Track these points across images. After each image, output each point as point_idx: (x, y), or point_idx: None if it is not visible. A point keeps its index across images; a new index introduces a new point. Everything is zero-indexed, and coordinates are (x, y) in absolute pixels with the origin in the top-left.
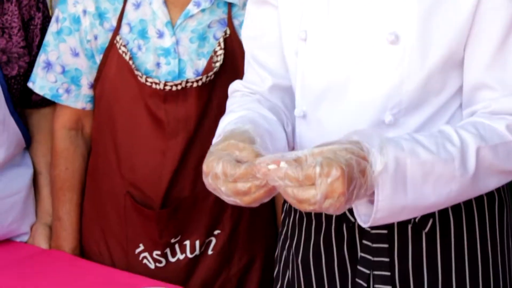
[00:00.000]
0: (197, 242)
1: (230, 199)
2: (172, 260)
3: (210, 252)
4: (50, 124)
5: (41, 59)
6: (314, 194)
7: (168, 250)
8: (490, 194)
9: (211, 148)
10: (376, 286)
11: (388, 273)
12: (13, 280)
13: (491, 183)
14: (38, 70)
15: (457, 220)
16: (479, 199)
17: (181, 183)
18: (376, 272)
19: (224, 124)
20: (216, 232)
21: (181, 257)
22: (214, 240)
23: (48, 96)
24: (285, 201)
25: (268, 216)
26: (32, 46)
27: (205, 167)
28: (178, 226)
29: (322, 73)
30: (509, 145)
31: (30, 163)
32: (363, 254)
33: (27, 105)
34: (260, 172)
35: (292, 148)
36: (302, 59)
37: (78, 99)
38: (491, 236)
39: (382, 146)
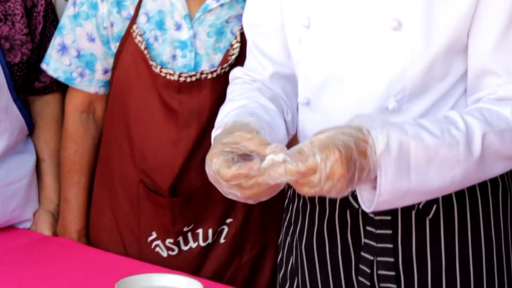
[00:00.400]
0: (210, 231)
1: (229, 192)
2: (185, 248)
3: (222, 240)
4: (53, 111)
5: (56, 41)
6: (316, 178)
7: (180, 238)
8: (493, 180)
9: (214, 142)
10: (380, 272)
11: (391, 259)
12: (16, 266)
13: (497, 169)
14: (52, 52)
15: (460, 206)
16: (482, 185)
17: (191, 173)
18: (379, 258)
19: (223, 115)
20: (228, 220)
21: (194, 245)
22: (226, 229)
23: (61, 79)
24: (288, 187)
25: (281, 205)
26: (35, 33)
27: (207, 159)
28: (191, 215)
29: (326, 60)
30: None
31: (33, 150)
32: (366, 240)
33: (30, 92)
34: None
35: (291, 136)
36: (305, 47)
37: (92, 83)
38: (495, 222)
39: (383, 127)
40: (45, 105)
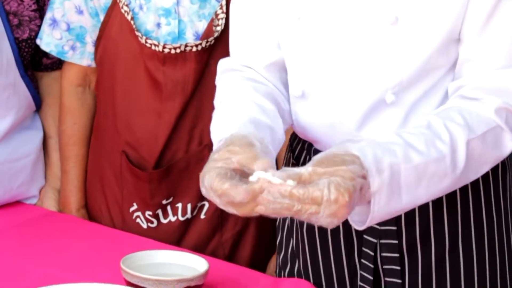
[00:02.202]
0: (189, 206)
1: (228, 210)
2: (164, 221)
3: (202, 216)
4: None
5: (47, 16)
6: (314, 210)
7: (159, 211)
8: None
9: (210, 156)
10: (383, 254)
11: (395, 241)
12: (22, 240)
13: (482, 170)
14: (45, 27)
15: (463, 187)
16: None
17: (175, 145)
18: (383, 241)
19: (223, 122)
20: None
21: (173, 219)
22: (207, 205)
23: (53, 53)
24: (286, 164)
25: None
26: (44, 9)
27: (200, 175)
28: (169, 188)
29: (321, 53)
30: (496, 130)
31: (41, 126)
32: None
33: (38, 69)
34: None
35: (288, 126)
36: (299, 39)
37: (83, 56)
38: (495, 200)
39: (377, 162)
40: (53, 82)
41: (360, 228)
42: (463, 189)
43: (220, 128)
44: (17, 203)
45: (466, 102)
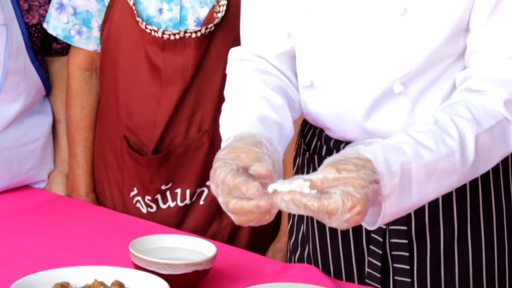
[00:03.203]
0: (188, 191)
1: (231, 214)
2: (163, 206)
3: (201, 202)
4: None
5: (54, 0)
6: (328, 218)
7: (159, 196)
8: None
9: (218, 153)
10: (392, 240)
11: (404, 228)
12: (31, 224)
13: (491, 164)
14: (52, 11)
15: None
16: None
17: (174, 131)
18: (392, 227)
19: (231, 122)
20: (208, 182)
21: (172, 204)
22: (206, 191)
23: (60, 37)
24: (296, 156)
25: None
26: None
27: (212, 172)
28: (168, 173)
29: (330, 44)
30: (503, 123)
31: (50, 111)
32: None
33: (48, 53)
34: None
35: (299, 115)
36: (309, 29)
37: (90, 40)
38: (505, 186)
39: (389, 164)
40: (63, 67)
41: (371, 228)
42: (472, 180)
43: (229, 124)
44: (26, 187)
45: (473, 96)
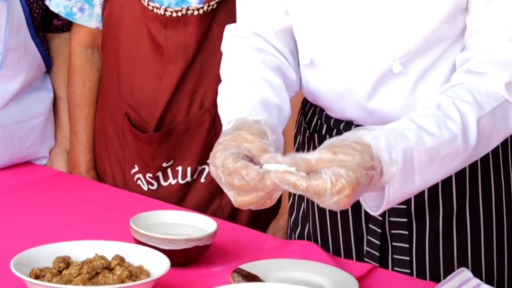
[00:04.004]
0: (189, 169)
1: (229, 192)
2: (164, 184)
3: (202, 180)
4: None
5: None
6: (316, 198)
7: (160, 174)
8: None
9: (220, 138)
10: (391, 219)
11: (404, 206)
12: (32, 199)
13: (493, 145)
14: None
15: None
16: None
17: (175, 108)
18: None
19: (232, 103)
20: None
21: (173, 182)
22: (207, 169)
23: (62, 14)
24: (297, 134)
25: None
26: None
27: (211, 155)
28: (169, 151)
29: (329, 22)
30: (504, 105)
31: (51, 87)
32: None
33: (49, 30)
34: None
35: (296, 93)
36: (307, 8)
37: (92, 18)
38: (504, 164)
39: (391, 151)
40: (64, 43)
41: (376, 213)
42: None
43: (230, 106)
44: (27, 163)
45: (474, 78)
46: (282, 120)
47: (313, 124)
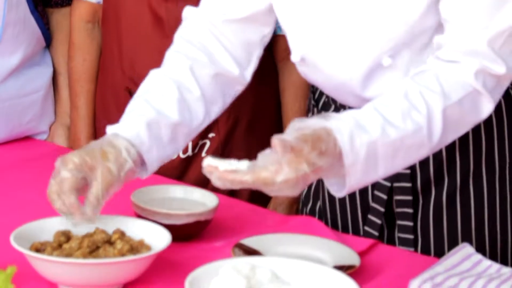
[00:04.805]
0: (190, 143)
1: None
2: None
3: (203, 154)
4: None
5: None
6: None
7: None
8: (506, 95)
9: (82, 147)
10: (397, 197)
11: (409, 184)
12: (32, 174)
13: (460, 133)
14: None
15: (475, 128)
16: (497, 105)
17: None
18: (396, 184)
19: (125, 118)
20: (210, 135)
21: (174, 156)
22: (208, 143)
23: None
24: (308, 111)
25: (272, 121)
26: None
27: (59, 162)
28: None
29: (316, 20)
30: (473, 94)
31: (50, 62)
32: None
33: (48, 5)
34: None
35: (245, 86)
36: (294, 5)
37: None
38: (509, 138)
39: (353, 141)
40: (63, 18)
41: (339, 195)
42: (476, 130)
43: (125, 117)
44: (28, 138)
45: (444, 65)
46: (186, 133)
47: (321, 103)
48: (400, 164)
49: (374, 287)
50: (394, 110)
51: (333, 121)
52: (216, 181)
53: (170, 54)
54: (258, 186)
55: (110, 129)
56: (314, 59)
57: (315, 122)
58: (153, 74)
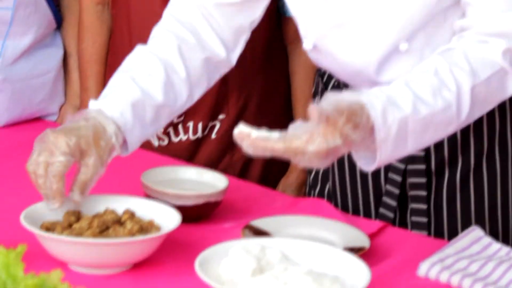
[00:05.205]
0: (200, 125)
1: None
2: (175, 140)
3: (213, 136)
4: None
5: None
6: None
7: (171, 130)
8: None
9: (65, 124)
10: (410, 180)
11: (423, 167)
12: None
13: (487, 109)
14: None
15: (489, 111)
16: None
17: None
18: (410, 167)
19: (107, 93)
20: (220, 116)
21: (184, 138)
22: (218, 125)
23: None
24: (315, 94)
25: (282, 104)
26: None
27: (39, 139)
28: None
29: (329, 6)
30: (501, 73)
31: (61, 44)
32: None
33: None
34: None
35: (229, 68)
36: None
37: None
38: None
39: (385, 116)
40: (74, 0)
41: (368, 169)
42: (490, 112)
43: (107, 93)
44: (38, 119)
45: (471, 44)
46: (167, 115)
47: (331, 86)
48: (428, 140)
49: (383, 269)
50: (425, 87)
51: (366, 96)
52: (247, 148)
53: (158, 31)
54: (289, 155)
55: (93, 104)
56: (327, 46)
57: (349, 96)
58: (140, 50)
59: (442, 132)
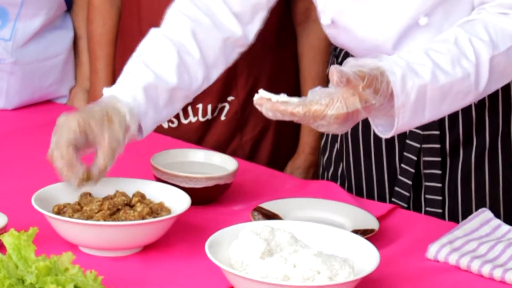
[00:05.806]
0: (209, 106)
1: None
2: (184, 121)
3: (223, 117)
4: None
5: None
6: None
7: (180, 112)
8: None
9: (82, 109)
10: (425, 159)
11: (438, 146)
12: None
13: (503, 82)
14: None
15: (505, 87)
16: None
17: None
18: (425, 146)
19: (124, 77)
20: (230, 98)
21: (193, 119)
22: (227, 106)
23: None
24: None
25: (291, 85)
26: None
27: (58, 123)
28: None
29: None
30: None
31: (71, 26)
32: (412, 129)
33: None
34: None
35: (245, 47)
36: None
37: None
38: None
39: (404, 82)
40: None
41: (385, 136)
42: (505, 89)
43: (123, 77)
44: (48, 102)
45: (492, 16)
46: (182, 97)
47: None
48: (445, 110)
49: (392, 251)
50: (444, 56)
51: (386, 62)
52: (267, 113)
53: (172, 13)
54: (308, 119)
55: (107, 91)
56: (346, 21)
57: (370, 61)
58: (153, 34)
59: (459, 102)
